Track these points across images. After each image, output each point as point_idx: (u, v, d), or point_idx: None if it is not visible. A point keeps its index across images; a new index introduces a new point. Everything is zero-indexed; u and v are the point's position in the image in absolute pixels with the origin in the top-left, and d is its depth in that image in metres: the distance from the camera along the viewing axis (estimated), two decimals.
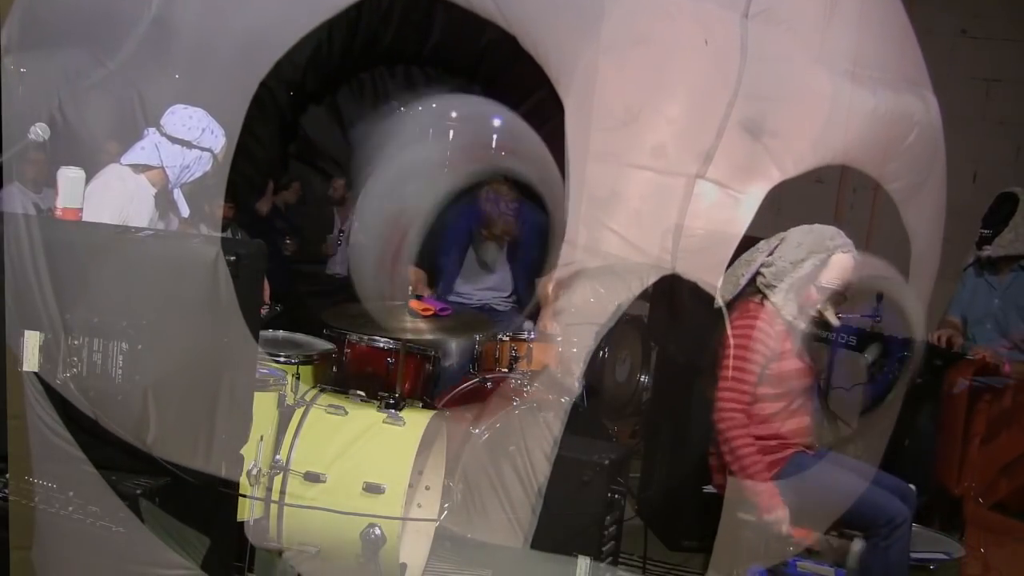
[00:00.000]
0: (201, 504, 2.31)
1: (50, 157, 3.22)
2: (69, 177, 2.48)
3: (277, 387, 2.87)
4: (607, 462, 3.06)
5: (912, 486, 2.96)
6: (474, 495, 3.12)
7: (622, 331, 5.21)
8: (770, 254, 2.92)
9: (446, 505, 3.07)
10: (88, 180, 2.59)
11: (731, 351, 2.83)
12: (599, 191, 3.04)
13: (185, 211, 3.07)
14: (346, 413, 2.89)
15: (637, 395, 5.39)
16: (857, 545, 2.68)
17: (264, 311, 3.17)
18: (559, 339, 3.32)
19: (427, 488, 3.08)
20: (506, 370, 3.72)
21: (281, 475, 2.77)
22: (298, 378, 3.09)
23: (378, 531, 2.70)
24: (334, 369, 3.54)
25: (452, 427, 3.11)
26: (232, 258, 2.24)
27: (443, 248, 4.20)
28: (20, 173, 3.64)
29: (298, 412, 2.87)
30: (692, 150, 2.95)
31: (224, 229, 4.59)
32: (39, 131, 2.47)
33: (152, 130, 3.01)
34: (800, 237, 2.90)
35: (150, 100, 3.23)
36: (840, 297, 2.92)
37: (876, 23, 3.18)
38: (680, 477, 3.64)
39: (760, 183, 2.98)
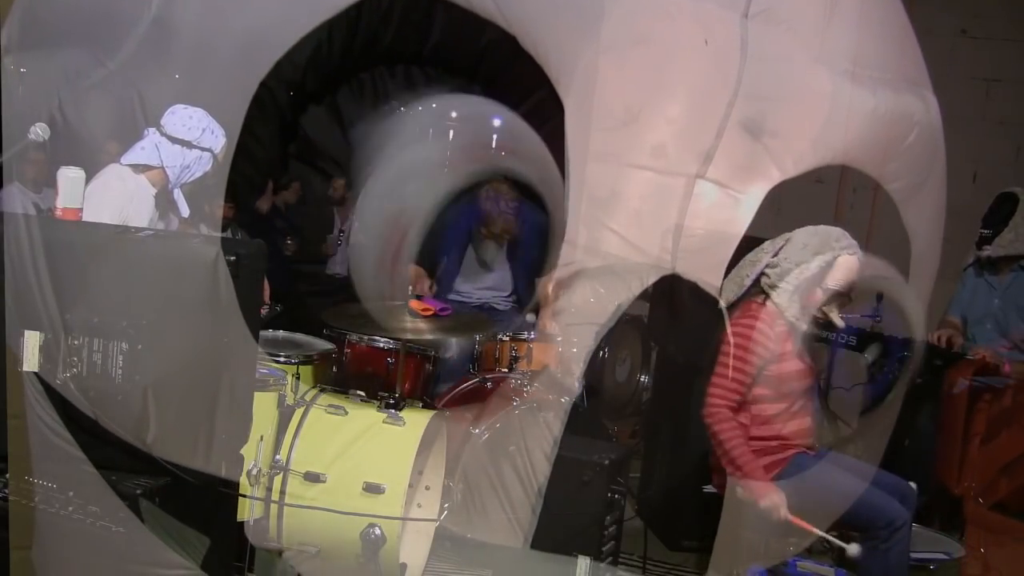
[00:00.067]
0: (201, 504, 2.31)
1: (50, 157, 3.23)
2: (69, 177, 2.48)
3: (277, 387, 2.87)
4: (607, 462, 3.06)
5: (913, 483, 2.96)
6: (474, 495, 3.12)
7: (622, 331, 5.20)
8: (775, 254, 2.91)
9: (446, 505, 3.07)
10: (88, 180, 2.59)
11: (729, 349, 2.84)
12: (599, 191, 3.04)
13: (185, 211, 3.07)
14: (346, 413, 2.89)
15: (637, 395, 5.39)
16: (854, 549, 2.67)
17: (264, 311, 3.18)
18: (559, 339, 3.32)
19: (427, 488, 3.08)
20: (506, 370, 3.72)
21: (281, 475, 2.77)
22: (298, 378, 3.09)
23: (378, 531, 2.70)
24: (334, 369, 3.54)
25: (452, 427, 3.11)
26: (232, 258, 2.24)
27: (443, 247, 4.20)
28: (20, 173, 3.64)
29: (298, 412, 2.87)
30: (692, 150, 2.95)
31: (224, 229, 4.59)
32: (39, 131, 2.47)
33: (152, 130, 3.01)
34: (806, 238, 2.89)
35: (150, 100, 3.23)
36: (844, 299, 2.91)
37: (876, 23, 3.18)
38: (680, 477, 3.64)
39: (760, 183, 2.98)
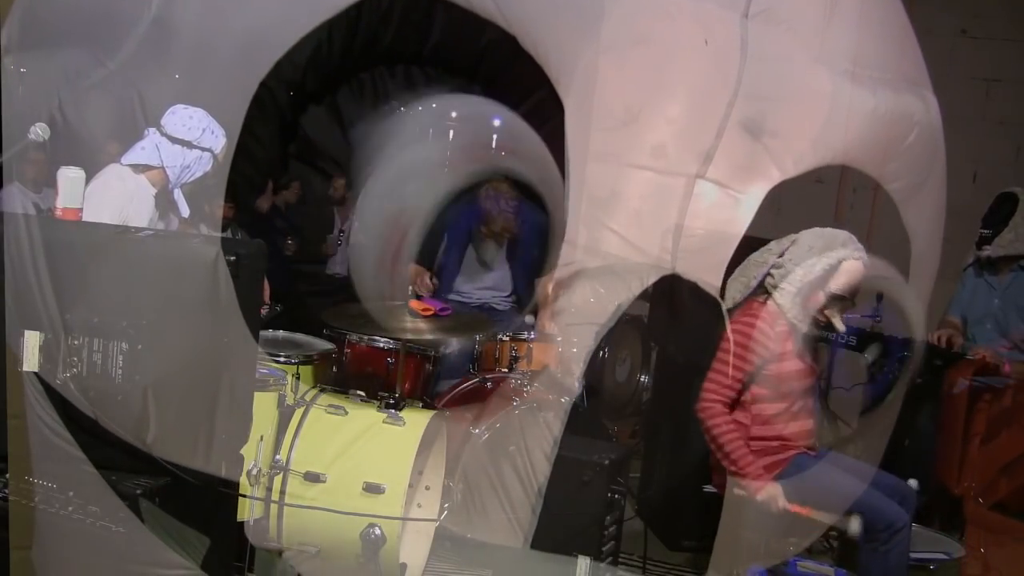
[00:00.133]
0: (201, 504, 2.31)
1: (50, 157, 3.22)
2: (69, 177, 2.48)
3: (277, 387, 2.87)
4: (607, 462, 3.06)
5: (914, 481, 2.96)
6: (474, 495, 3.12)
7: (622, 331, 5.20)
8: (781, 255, 2.90)
9: (446, 505, 3.07)
10: (88, 180, 2.59)
11: (727, 346, 2.84)
12: (599, 191, 3.04)
13: (185, 211, 3.07)
14: (346, 413, 2.89)
15: (637, 395, 5.39)
16: (855, 525, 2.67)
17: (264, 311, 3.18)
18: (559, 339, 3.32)
19: (427, 488, 3.08)
20: (506, 370, 3.72)
21: (281, 475, 2.77)
22: (298, 378, 3.09)
23: (378, 531, 2.70)
24: (334, 369, 3.54)
25: (452, 427, 3.11)
26: (232, 258, 2.24)
27: (443, 247, 4.21)
28: (20, 173, 3.64)
29: (298, 412, 2.87)
30: (692, 150, 2.95)
31: (224, 229, 4.59)
32: (39, 131, 2.47)
33: (152, 130, 3.01)
34: (812, 240, 2.88)
35: (150, 100, 3.23)
36: (847, 303, 2.90)
37: (876, 23, 3.18)
38: (680, 477, 3.64)
39: (760, 183, 2.98)
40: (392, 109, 5.49)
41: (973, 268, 4.04)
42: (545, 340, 3.70)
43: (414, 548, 2.97)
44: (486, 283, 4.30)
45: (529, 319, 3.90)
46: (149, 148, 2.98)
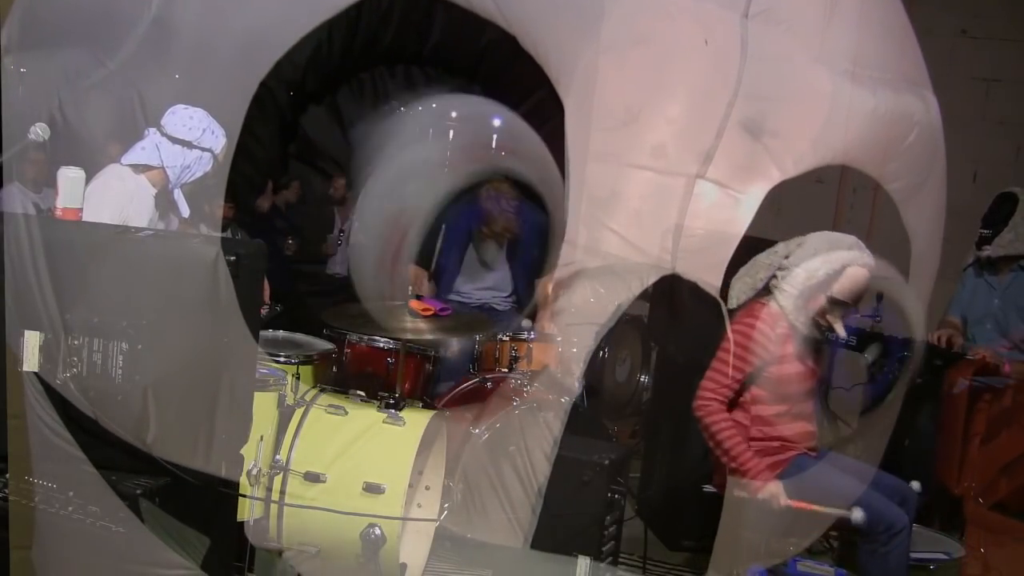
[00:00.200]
0: (201, 504, 2.31)
1: (50, 157, 3.22)
2: (69, 177, 2.48)
3: (277, 387, 2.87)
4: (607, 462, 3.06)
5: (916, 483, 2.95)
6: (474, 495, 3.12)
7: (622, 331, 5.21)
8: (786, 256, 2.89)
9: (446, 505, 3.07)
10: (88, 180, 2.59)
11: (727, 346, 2.83)
12: (599, 191, 3.04)
13: (185, 211, 3.07)
14: (346, 413, 2.89)
15: (637, 395, 5.39)
16: (858, 515, 2.66)
17: (264, 311, 3.17)
18: (559, 339, 3.32)
19: (427, 488, 3.08)
20: (506, 370, 3.72)
21: (281, 475, 2.77)
22: (298, 378, 3.09)
23: (378, 531, 2.70)
24: (334, 369, 3.54)
25: (452, 427, 3.10)
26: (232, 258, 2.24)
27: (443, 247, 4.20)
28: (20, 173, 3.63)
29: (298, 412, 2.87)
30: (692, 150, 2.95)
31: (224, 229, 4.58)
32: (39, 131, 2.47)
33: (153, 130, 3.01)
34: (817, 243, 2.87)
35: (150, 100, 3.23)
36: (849, 308, 2.89)
37: (876, 23, 3.18)
38: (680, 477, 3.64)
39: (760, 183, 2.97)
40: (392, 109, 5.49)
41: (973, 268, 4.04)
42: (545, 340, 3.71)
43: (414, 548, 2.97)
44: (486, 283, 4.30)
45: (527, 323, 3.90)
46: (149, 148, 2.98)
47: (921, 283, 3.30)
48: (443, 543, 3.09)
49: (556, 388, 3.18)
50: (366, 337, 3.57)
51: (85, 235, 2.33)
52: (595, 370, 4.80)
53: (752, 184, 2.98)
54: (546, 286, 4.07)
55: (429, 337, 3.27)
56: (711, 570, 3.02)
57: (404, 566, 2.86)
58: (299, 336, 3.66)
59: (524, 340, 3.78)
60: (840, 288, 2.82)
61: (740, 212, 2.96)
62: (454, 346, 3.90)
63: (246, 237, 4.88)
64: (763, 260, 2.95)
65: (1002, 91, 5.85)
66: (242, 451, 2.46)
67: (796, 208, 4.53)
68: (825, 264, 2.81)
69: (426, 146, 3.32)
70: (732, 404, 2.88)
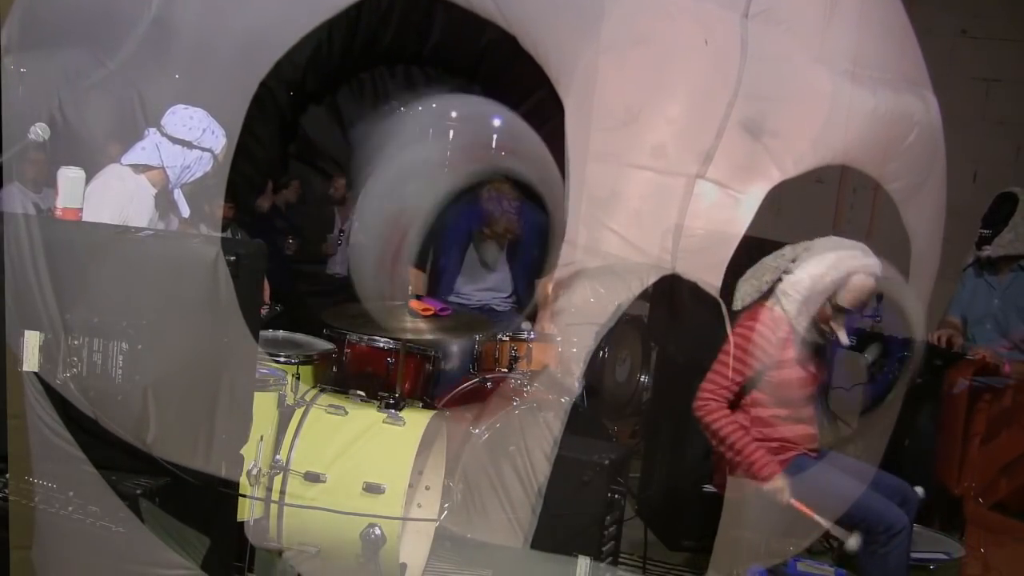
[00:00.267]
0: (201, 504, 2.31)
1: (50, 157, 3.22)
2: (69, 177, 2.48)
3: (277, 387, 2.87)
4: (607, 462, 3.06)
5: (920, 488, 2.95)
6: (474, 495, 3.12)
7: (622, 331, 5.20)
8: (793, 261, 2.88)
9: (446, 505, 3.07)
10: (88, 180, 2.59)
11: (728, 348, 2.83)
12: (599, 191, 3.04)
13: (185, 211, 3.07)
14: (346, 413, 2.89)
15: (637, 395, 5.39)
16: (853, 542, 2.67)
17: (264, 311, 3.17)
18: (559, 339, 3.31)
19: (427, 488, 3.08)
20: (506, 370, 3.72)
21: (281, 475, 2.77)
22: (298, 378, 3.09)
23: (378, 531, 2.70)
24: (334, 369, 3.54)
25: (452, 427, 3.10)
26: (232, 258, 2.24)
27: (443, 248, 4.20)
28: (20, 173, 3.63)
29: (298, 412, 2.87)
30: (692, 150, 2.95)
31: (224, 229, 4.58)
32: (39, 131, 2.47)
33: (153, 130, 3.01)
34: (825, 250, 2.85)
35: (150, 100, 3.23)
36: (853, 316, 2.88)
37: (876, 23, 3.18)
38: (680, 477, 3.64)
39: (760, 183, 2.97)
40: (392, 109, 5.49)
41: (973, 268, 4.04)
42: (545, 340, 3.71)
43: (414, 548, 2.97)
44: (487, 284, 4.29)
45: (526, 324, 3.90)
46: (149, 148, 2.98)
47: (921, 283, 3.30)
48: (443, 543, 3.09)
49: (556, 388, 3.18)
50: (366, 337, 3.56)
51: (85, 235, 2.33)
52: (595, 370, 4.80)
53: (752, 184, 2.98)
54: (546, 286, 4.07)
55: (429, 337, 3.27)
56: (711, 570, 3.01)
57: (404, 566, 2.86)
58: (299, 336, 3.66)
59: (524, 340, 3.78)
60: (845, 296, 2.81)
61: (740, 212, 2.96)
62: (454, 359, 3.89)
63: (246, 237, 4.88)
64: (769, 263, 2.93)
65: (1002, 91, 5.85)
66: (242, 451, 2.46)
67: (796, 208, 4.53)
68: (831, 271, 2.80)
69: (426, 146, 3.31)
70: (733, 406, 2.88)
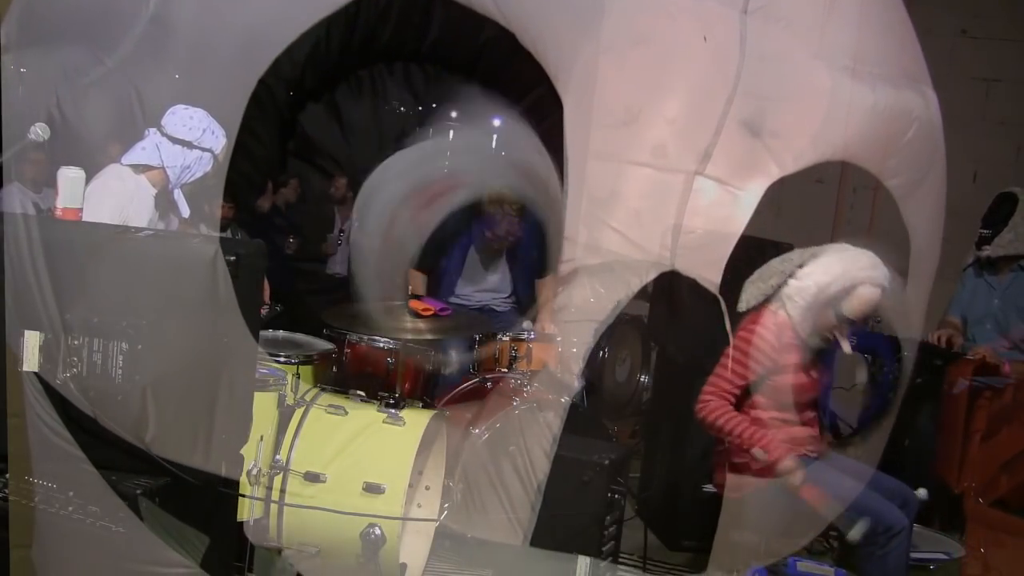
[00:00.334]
0: (201, 504, 2.31)
1: (50, 157, 3.21)
2: (69, 177, 2.48)
3: (277, 387, 2.86)
4: (607, 462, 3.06)
5: (924, 491, 2.94)
6: (474, 495, 3.11)
7: (622, 331, 5.21)
8: (801, 266, 2.86)
9: (446, 505, 3.07)
10: (88, 180, 2.58)
11: (731, 351, 2.83)
12: (599, 189, 3.03)
13: (185, 211, 3.07)
14: (346, 413, 2.89)
15: (637, 395, 5.39)
16: (857, 531, 2.66)
17: (264, 311, 3.17)
18: (559, 339, 3.31)
19: (427, 488, 3.08)
20: (506, 370, 3.72)
21: (281, 475, 2.77)
22: (298, 378, 3.08)
23: (378, 531, 2.70)
24: (334, 369, 3.53)
25: (452, 427, 3.10)
26: (232, 258, 2.24)
27: (444, 250, 4.19)
28: (20, 173, 3.62)
29: (298, 412, 2.86)
30: (691, 147, 2.94)
31: (224, 229, 4.58)
32: (39, 131, 2.47)
33: (153, 130, 3.00)
34: (832, 258, 2.83)
35: (149, 98, 3.22)
36: (857, 325, 2.87)
37: (875, 19, 3.17)
38: (680, 477, 3.64)
39: (759, 179, 2.97)
40: (392, 110, 5.50)
41: (973, 268, 4.05)
42: (545, 340, 3.70)
43: (414, 548, 2.97)
44: (486, 285, 4.29)
45: (526, 324, 3.90)
46: (149, 148, 2.97)
47: (921, 281, 3.29)
48: (443, 543, 3.09)
49: (556, 386, 3.17)
50: (366, 337, 3.56)
51: (85, 235, 2.32)
52: (595, 370, 4.80)
53: (752, 181, 2.97)
54: (547, 287, 4.07)
55: (429, 337, 3.27)
56: (711, 570, 3.01)
57: (404, 566, 2.86)
58: (299, 336, 3.65)
59: (524, 340, 3.78)
60: (850, 307, 2.78)
61: (739, 209, 2.95)
62: (454, 359, 3.88)
63: (246, 237, 4.87)
64: (776, 266, 2.92)
65: (1002, 91, 5.85)
66: (242, 451, 2.46)
67: (796, 208, 4.54)
68: (837, 281, 2.77)
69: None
70: (734, 409, 2.87)
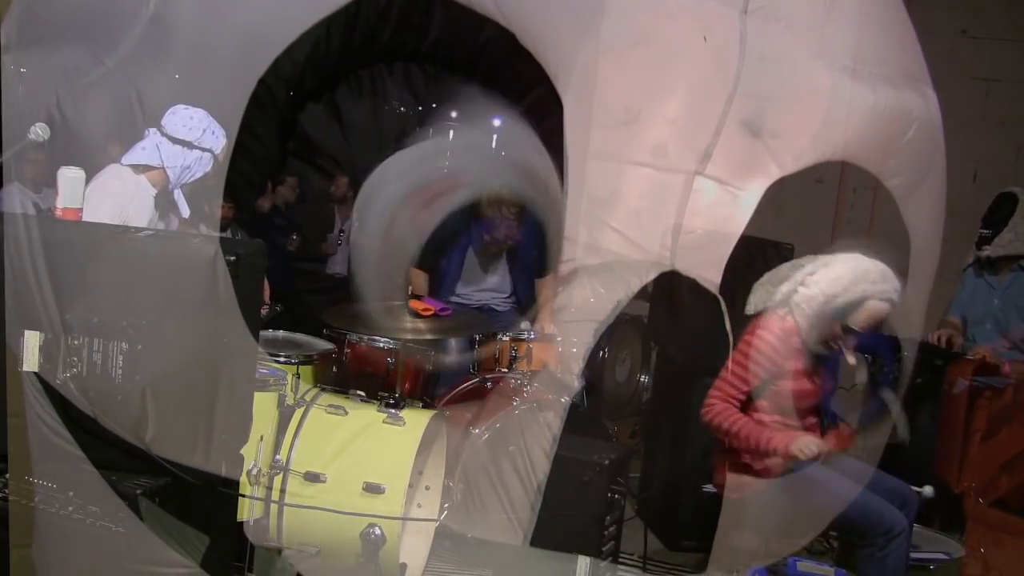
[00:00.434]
0: (201, 504, 2.31)
1: (50, 157, 3.21)
2: (69, 177, 2.48)
3: (277, 387, 2.86)
4: (607, 462, 3.06)
5: (930, 488, 2.93)
6: (474, 495, 3.11)
7: (622, 331, 5.20)
8: (811, 274, 2.85)
9: (446, 505, 3.07)
10: (88, 180, 2.58)
11: (737, 355, 2.82)
12: (599, 189, 3.03)
13: (185, 212, 3.07)
14: (346, 413, 2.89)
15: (637, 395, 5.39)
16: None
17: (264, 311, 3.16)
18: (559, 339, 3.31)
19: (427, 488, 3.08)
20: (506, 370, 3.72)
21: (281, 475, 2.77)
22: (298, 378, 3.08)
23: (378, 531, 2.70)
24: (334, 369, 3.53)
25: (452, 427, 3.10)
26: (232, 258, 2.24)
27: (444, 250, 4.19)
28: (20, 173, 3.62)
29: (298, 412, 2.86)
30: (691, 147, 2.94)
31: (224, 229, 4.58)
32: (39, 131, 2.47)
33: (153, 130, 3.01)
34: (843, 269, 2.81)
35: (149, 98, 3.22)
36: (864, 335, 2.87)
37: (875, 19, 3.17)
38: (680, 477, 3.64)
39: (759, 179, 2.96)
40: (392, 110, 5.50)
41: (973, 268, 4.04)
42: (545, 340, 3.70)
43: (414, 548, 2.97)
44: (486, 285, 4.29)
45: (526, 324, 3.90)
46: (149, 148, 2.97)
47: (921, 281, 3.29)
48: (443, 543, 3.09)
49: (556, 387, 3.17)
50: (366, 337, 3.56)
51: (85, 235, 2.33)
52: (595, 370, 4.80)
53: (751, 180, 2.97)
54: (547, 287, 4.07)
55: (429, 337, 3.27)
56: (711, 570, 3.01)
57: (404, 566, 2.86)
58: (299, 336, 3.65)
59: (524, 340, 3.78)
60: (857, 319, 2.78)
61: (739, 209, 2.95)
62: (454, 360, 3.88)
63: (246, 237, 4.87)
64: (786, 272, 2.92)
65: (1002, 91, 5.85)
66: (242, 451, 2.46)
67: (796, 208, 4.53)
68: (845, 293, 2.76)
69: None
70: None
